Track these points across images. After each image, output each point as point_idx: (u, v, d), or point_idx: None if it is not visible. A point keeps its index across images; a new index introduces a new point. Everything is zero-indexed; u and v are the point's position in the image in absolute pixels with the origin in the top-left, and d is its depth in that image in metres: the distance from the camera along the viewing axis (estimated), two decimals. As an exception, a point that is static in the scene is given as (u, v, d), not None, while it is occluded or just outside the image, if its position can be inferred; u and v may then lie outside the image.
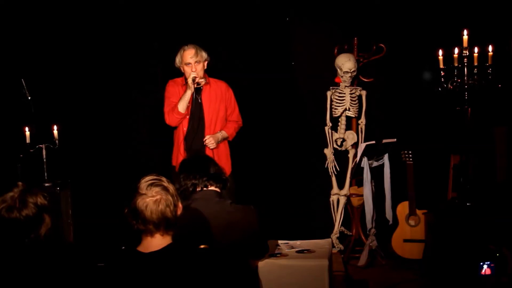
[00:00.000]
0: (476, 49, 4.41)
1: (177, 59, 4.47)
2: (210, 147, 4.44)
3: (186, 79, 4.46)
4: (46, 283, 2.37)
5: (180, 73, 4.55)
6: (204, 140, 4.44)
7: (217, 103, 4.52)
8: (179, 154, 4.46)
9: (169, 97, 4.52)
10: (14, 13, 5.18)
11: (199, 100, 4.47)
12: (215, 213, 3.12)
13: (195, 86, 4.39)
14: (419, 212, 4.86)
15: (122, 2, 5.42)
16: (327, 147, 5.00)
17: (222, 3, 5.43)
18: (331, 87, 4.95)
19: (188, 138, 4.46)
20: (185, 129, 4.47)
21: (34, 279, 2.36)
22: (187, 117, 4.46)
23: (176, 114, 4.42)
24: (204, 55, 4.44)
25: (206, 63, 4.47)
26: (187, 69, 4.42)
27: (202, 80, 4.43)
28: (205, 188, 3.22)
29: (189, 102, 4.42)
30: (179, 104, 4.41)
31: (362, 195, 4.86)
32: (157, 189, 2.32)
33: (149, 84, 5.54)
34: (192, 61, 4.40)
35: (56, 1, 5.30)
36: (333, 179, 5.01)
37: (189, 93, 4.38)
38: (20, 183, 2.52)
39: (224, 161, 4.49)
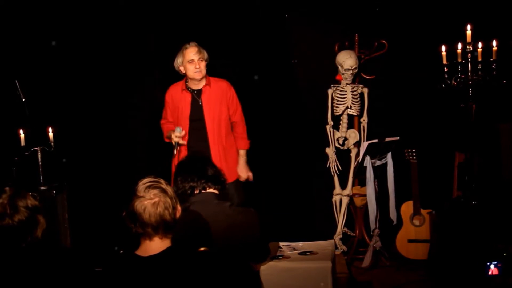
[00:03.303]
0: (480, 44, 4.36)
1: (179, 60, 4.40)
2: (250, 179, 4.54)
3: (186, 83, 4.43)
4: (44, 288, 2.34)
5: (177, 76, 4.48)
6: (240, 178, 4.51)
7: (218, 104, 4.44)
8: (179, 159, 4.38)
9: (164, 107, 4.55)
10: (8, 13, 5.12)
11: (200, 102, 4.41)
12: (214, 216, 3.06)
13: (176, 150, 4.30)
14: (423, 211, 4.86)
15: (120, 3, 5.37)
16: (328, 146, 4.94)
17: (221, 1, 5.37)
18: (332, 85, 4.90)
19: (190, 142, 4.39)
20: (185, 132, 4.38)
21: (32, 285, 2.34)
22: (187, 121, 4.38)
23: (164, 132, 4.51)
24: (206, 54, 4.41)
25: (206, 63, 4.42)
26: (189, 67, 4.36)
27: (183, 142, 4.33)
28: (203, 191, 3.15)
29: (189, 105, 4.39)
30: (166, 132, 4.46)
31: (365, 195, 4.82)
32: (155, 191, 2.28)
33: (147, 86, 5.53)
34: (195, 58, 4.34)
35: (51, 1, 5.24)
36: (335, 179, 4.94)
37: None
38: (7, 188, 2.51)
39: (233, 168, 4.48)
